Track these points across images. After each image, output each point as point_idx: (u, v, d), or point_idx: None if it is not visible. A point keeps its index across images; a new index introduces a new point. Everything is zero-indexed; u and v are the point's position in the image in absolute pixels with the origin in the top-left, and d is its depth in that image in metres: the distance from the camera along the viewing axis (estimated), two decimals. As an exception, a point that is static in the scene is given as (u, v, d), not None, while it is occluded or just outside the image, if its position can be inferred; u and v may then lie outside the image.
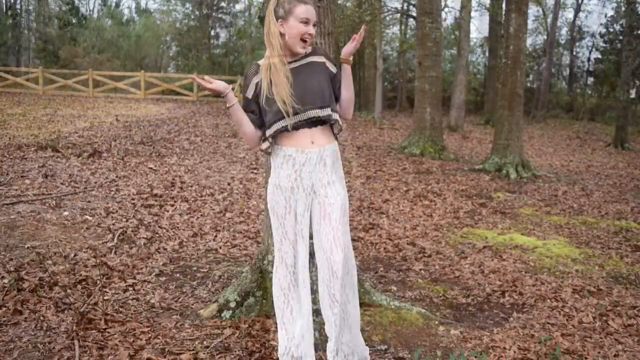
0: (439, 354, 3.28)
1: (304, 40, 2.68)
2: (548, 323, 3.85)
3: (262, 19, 3.02)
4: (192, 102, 22.39)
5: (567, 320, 3.92)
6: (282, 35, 2.69)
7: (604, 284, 4.71)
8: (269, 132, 2.75)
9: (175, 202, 6.58)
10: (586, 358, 3.36)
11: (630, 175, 11.33)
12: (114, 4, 41.29)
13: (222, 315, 3.59)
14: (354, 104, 2.95)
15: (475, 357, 3.17)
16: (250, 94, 2.78)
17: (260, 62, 2.80)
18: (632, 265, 5.28)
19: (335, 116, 2.81)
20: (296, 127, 2.72)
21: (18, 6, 35.54)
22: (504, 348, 3.41)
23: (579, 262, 5.27)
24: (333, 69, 2.86)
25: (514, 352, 3.36)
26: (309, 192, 2.78)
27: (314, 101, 2.72)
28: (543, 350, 3.39)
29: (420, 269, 4.89)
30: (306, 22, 2.66)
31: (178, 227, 5.63)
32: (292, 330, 2.88)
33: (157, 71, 29.09)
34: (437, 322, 3.72)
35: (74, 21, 36.63)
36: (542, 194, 8.72)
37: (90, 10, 41.01)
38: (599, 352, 3.45)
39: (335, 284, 2.74)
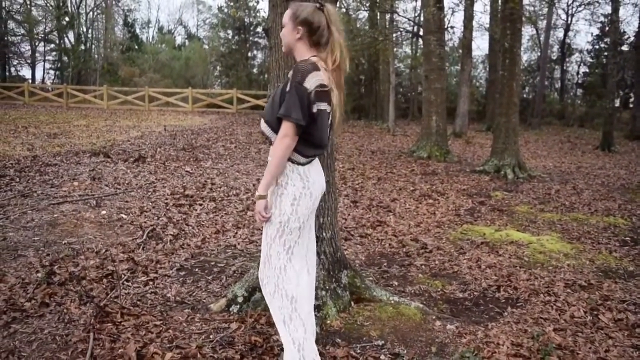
0: (433, 350, 2.90)
1: None
2: (541, 318, 3.43)
3: (267, 31, 2.68)
4: (232, 114, 22.19)
5: (559, 314, 3.50)
6: None
7: (594, 278, 4.25)
8: None
9: (203, 201, 6.28)
10: (578, 354, 2.94)
11: (617, 175, 10.71)
12: (167, 32, 41.51)
13: (231, 309, 3.26)
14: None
15: (469, 355, 2.77)
16: None
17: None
18: (621, 260, 4.80)
19: (270, 133, 2.34)
20: None
21: (90, 35, 35.98)
22: (498, 344, 3.01)
23: (570, 257, 4.81)
24: (288, 86, 2.26)
25: (507, 347, 2.96)
26: None
27: (264, 114, 2.40)
28: (536, 346, 2.98)
29: (422, 264, 4.49)
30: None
31: (203, 225, 5.33)
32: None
33: (203, 88, 28.97)
34: (434, 317, 3.32)
35: (135, 47, 36.97)
36: (536, 193, 8.22)
37: (149, 37, 41.36)
38: (590, 347, 3.02)
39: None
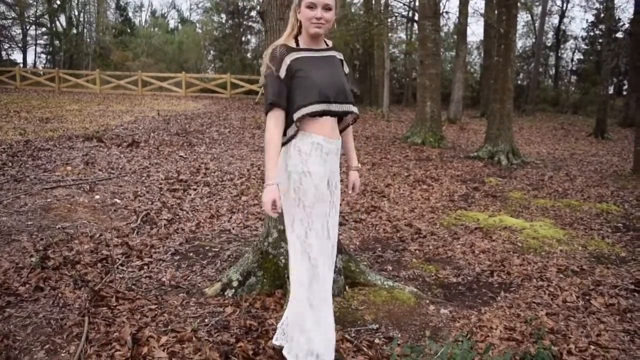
0: (427, 334, 2.92)
1: (315, 25, 2.29)
2: (534, 302, 3.46)
3: (261, 14, 2.65)
4: (225, 99, 22.05)
5: (551, 299, 3.53)
6: (299, 21, 2.35)
7: (586, 263, 4.29)
8: (298, 115, 2.26)
9: (198, 186, 6.26)
10: (570, 337, 2.97)
11: (610, 162, 10.76)
12: (161, 15, 41.08)
13: (226, 293, 3.27)
14: None
15: (462, 339, 2.79)
16: (282, 73, 2.28)
17: (280, 41, 2.38)
18: (613, 246, 4.84)
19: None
20: (322, 114, 2.31)
21: (81, 18, 35.54)
22: (491, 328, 3.03)
23: (563, 243, 4.84)
24: (346, 69, 2.52)
25: (500, 331, 2.99)
26: (329, 181, 2.41)
27: (348, 95, 2.39)
28: (528, 330, 3.01)
29: (416, 249, 4.50)
30: (311, 6, 2.27)
31: (197, 209, 5.32)
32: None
33: (196, 72, 28.76)
34: (428, 302, 3.34)
35: (128, 31, 36.57)
36: (530, 179, 8.25)
37: (142, 21, 40.91)
38: (582, 332, 3.05)
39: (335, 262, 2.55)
